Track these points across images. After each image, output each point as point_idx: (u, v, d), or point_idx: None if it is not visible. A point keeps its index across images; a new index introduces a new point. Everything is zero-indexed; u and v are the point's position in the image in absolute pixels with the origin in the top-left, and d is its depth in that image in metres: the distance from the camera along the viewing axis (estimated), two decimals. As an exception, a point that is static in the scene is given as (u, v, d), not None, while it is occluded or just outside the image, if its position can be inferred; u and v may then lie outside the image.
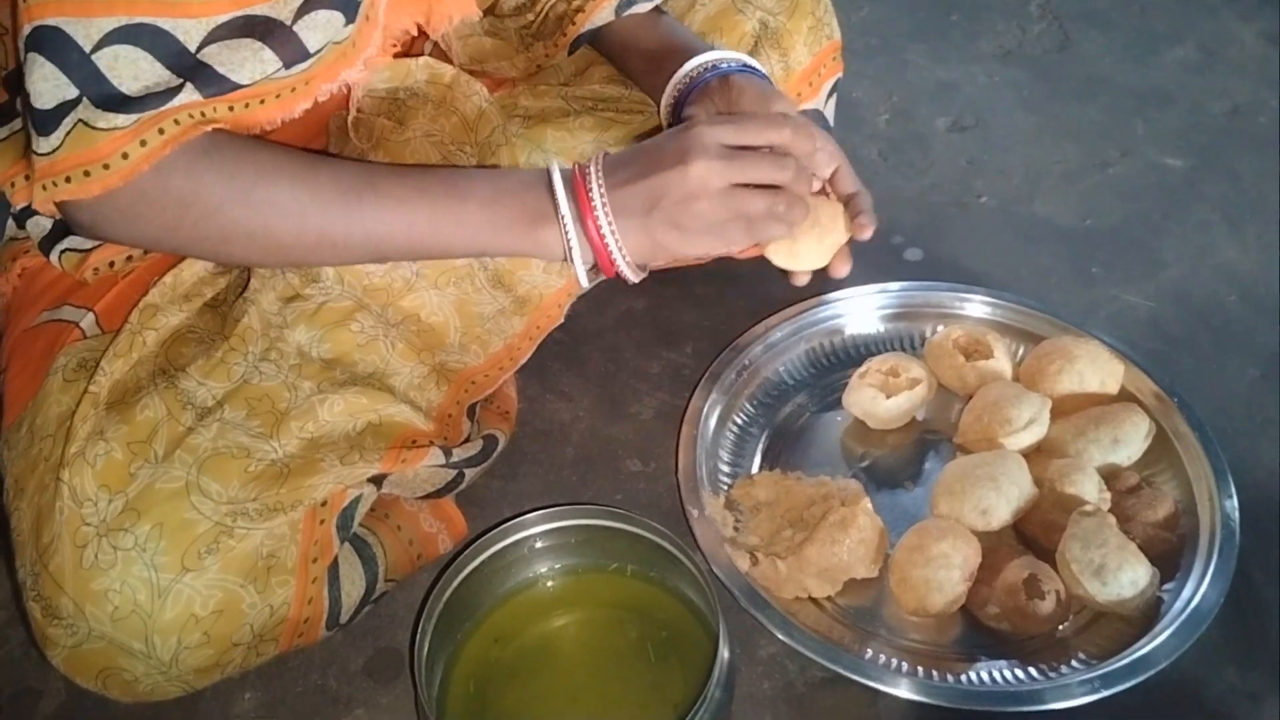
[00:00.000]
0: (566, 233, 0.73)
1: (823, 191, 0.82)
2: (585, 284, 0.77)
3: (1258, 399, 0.94)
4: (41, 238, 0.77)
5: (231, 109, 0.67)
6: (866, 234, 0.80)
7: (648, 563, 0.78)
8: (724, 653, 0.69)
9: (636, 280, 0.78)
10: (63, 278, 0.81)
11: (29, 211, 0.75)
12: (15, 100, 0.71)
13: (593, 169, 0.74)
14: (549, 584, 0.80)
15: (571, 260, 0.75)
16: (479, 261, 0.83)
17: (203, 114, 0.65)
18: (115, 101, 0.62)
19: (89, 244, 0.78)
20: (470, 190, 0.74)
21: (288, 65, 0.67)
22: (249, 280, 0.80)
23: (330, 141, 0.88)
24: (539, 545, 0.79)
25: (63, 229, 0.77)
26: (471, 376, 0.85)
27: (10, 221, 0.79)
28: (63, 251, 0.78)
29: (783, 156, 0.75)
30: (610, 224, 0.73)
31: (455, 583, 0.74)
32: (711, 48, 0.87)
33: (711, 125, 0.74)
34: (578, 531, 0.78)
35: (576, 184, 0.74)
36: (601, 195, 0.73)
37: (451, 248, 0.76)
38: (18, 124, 0.71)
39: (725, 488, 0.87)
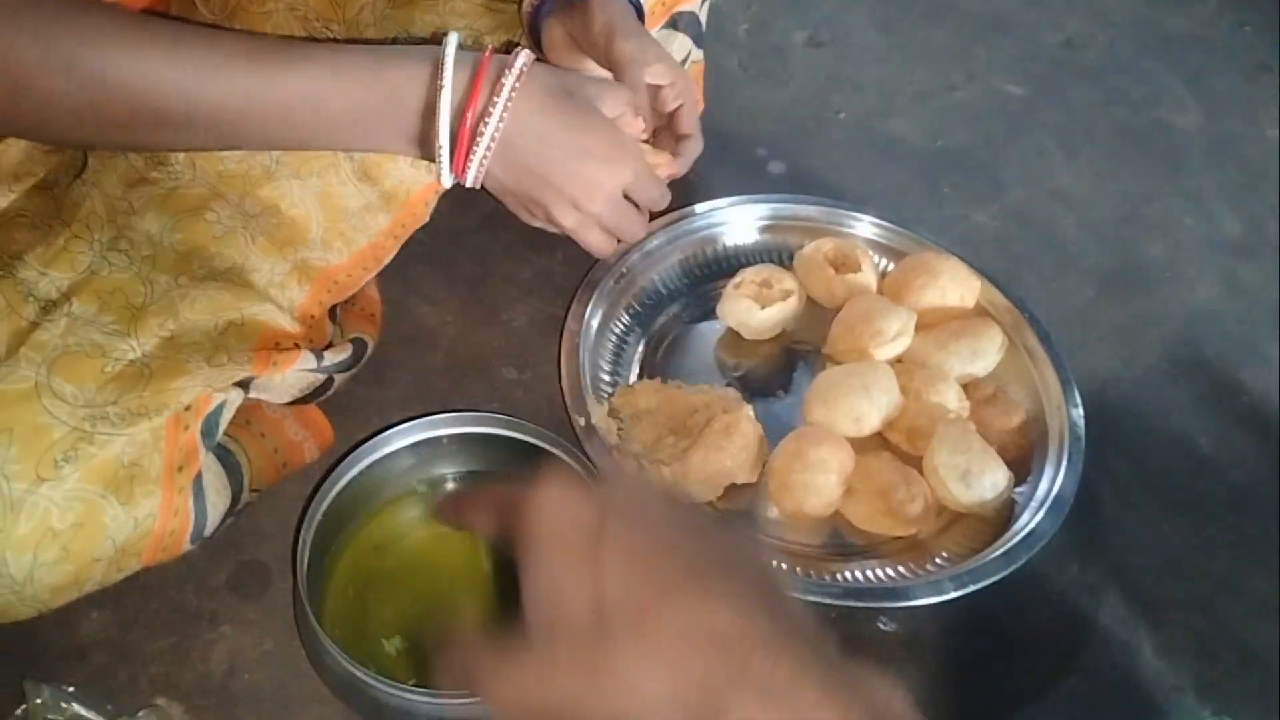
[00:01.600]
0: (441, 108, 0.68)
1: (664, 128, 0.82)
2: (445, 183, 0.74)
3: (1093, 315, 1.01)
4: None
5: None
6: (669, 171, 0.83)
7: (535, 470, 0.77)
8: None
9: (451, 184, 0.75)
10: None
11: None
12: None
13: (517, 67, 0.70)
14: (431, 492, 0.77)
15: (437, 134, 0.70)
16: (344, 152, 0.77)
17: None
18: None
19: None
20: (348, 63, 0.68)
21: None
22: (86, 161, 0.71)
23: (171, 11, 0.79)
24: (423, 452, 0.76)
25: None
26: (334, 276, 0.80)
27: None
28: None
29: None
30: (494, 135, 0.70)
31: (336, 489, 0.71)
32: None
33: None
34: (464, 439, 0.76)
35: (480, 68, 0.69)
36: (509, 99, 0.69)
37: (315, 136, 0.71)
38: None
39: (607, 396, 0.86)
